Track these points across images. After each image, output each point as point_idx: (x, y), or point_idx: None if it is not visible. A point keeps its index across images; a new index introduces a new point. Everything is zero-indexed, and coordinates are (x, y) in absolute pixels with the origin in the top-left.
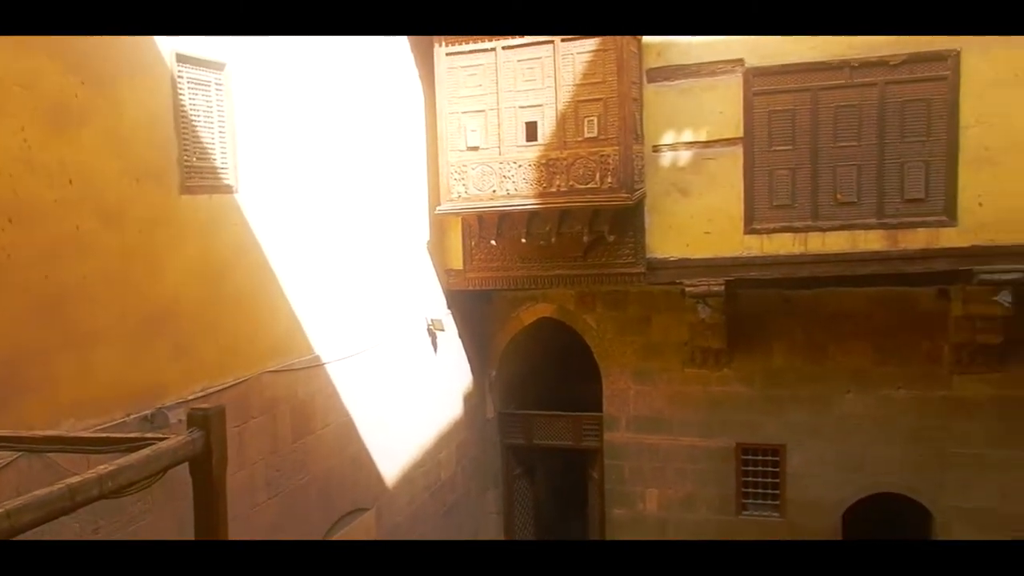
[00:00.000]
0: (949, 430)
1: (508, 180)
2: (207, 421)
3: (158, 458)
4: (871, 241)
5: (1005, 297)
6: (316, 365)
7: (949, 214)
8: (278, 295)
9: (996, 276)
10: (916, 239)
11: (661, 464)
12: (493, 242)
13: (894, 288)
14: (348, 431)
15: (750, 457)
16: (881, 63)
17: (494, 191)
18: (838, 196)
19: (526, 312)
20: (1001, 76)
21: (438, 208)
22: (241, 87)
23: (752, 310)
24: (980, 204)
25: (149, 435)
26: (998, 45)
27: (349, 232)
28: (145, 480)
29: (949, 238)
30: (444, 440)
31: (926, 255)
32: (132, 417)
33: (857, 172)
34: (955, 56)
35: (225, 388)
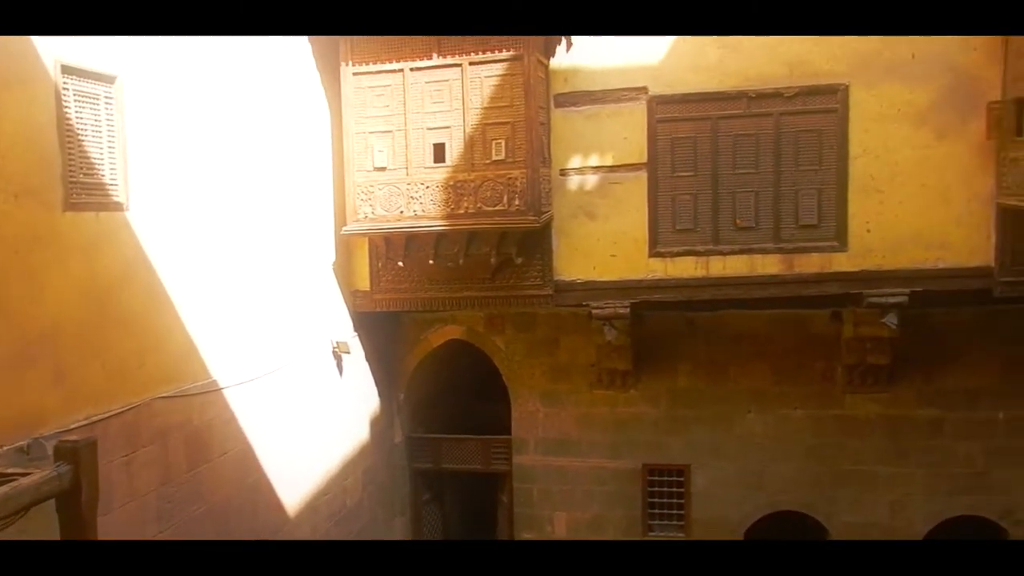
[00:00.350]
0: (842, 448)
1: (416, 201)
2: (76, 454)
3: (18, 496)
4: (769, 265)
5: (892, 319)
6: (213, 390)
7: (840, 240)
8: (172, 317)
9: (883, 299)
10: (810, 263)
11: (570, 486)
12: (400, 263)
13: (791, 310)
14: (247, 459)
15: (656, 478)
16: (776, 95)
17: (401, 212)
18: (737, 221)
19: (435, 334)
20: (885, 111)
21: (344, 228)
22: (135, 101)
23: (657, 332)
24: (868, 230)
25: (12, 470)
26: (883, 81)
27: (250, 252)
28: (4, 520)
29: (840, 263)
30: (350, 466)
31: (820, 279)
32: (5, 449)
33: (755, 198)
34: (844, 90)
35: (112, 416)
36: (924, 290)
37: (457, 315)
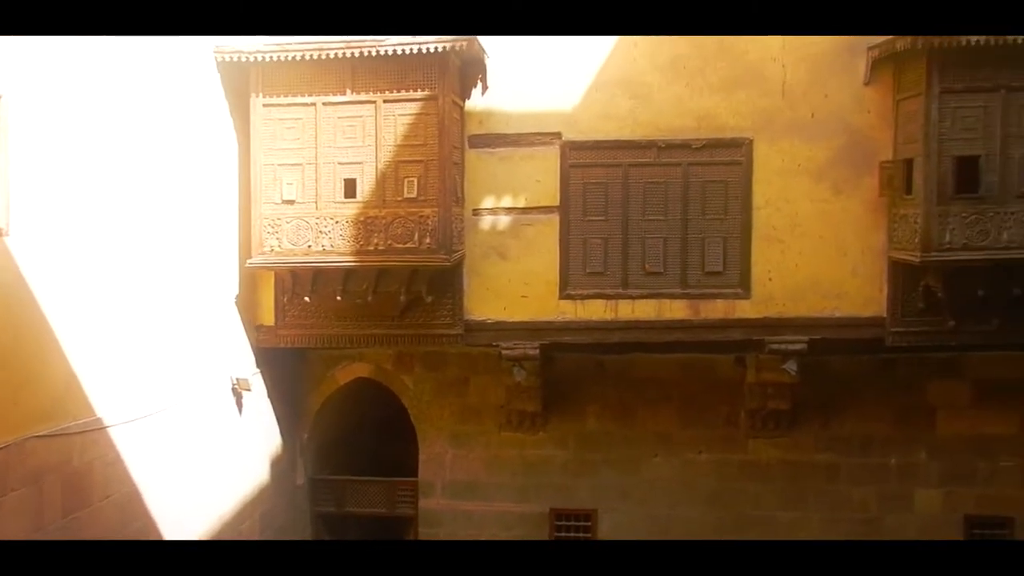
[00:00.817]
0: (745, 493)
1: (324, 236)
2: None
3: None
4: (676, 310)
5: (791, 366)
6: (96, 429)
7: (744, 287)
8: (53, 350)
9: (783, 346)
10: (715, 309)
11: (476, 531)
12: (307, 298)
13: (697, 355)
14: (133, 503)
15: (563, 523)
16: (684, 146)
17: (309, 246)
18: (646, 266)
19: (342, 371)
20: (787, 166)
21: (249, 261)
22: (20, 122)
23: (567, 373)
24: (770, 279)
25: None
26: (784, 138)
27: (144, 282)
28: None
29: (744, 309)
30: (247, 509)
31: (724, 324)
32: None
33: (663, 244)
34: (748, 144)
35: None
36: (822, 338)
37: (365, 352)
